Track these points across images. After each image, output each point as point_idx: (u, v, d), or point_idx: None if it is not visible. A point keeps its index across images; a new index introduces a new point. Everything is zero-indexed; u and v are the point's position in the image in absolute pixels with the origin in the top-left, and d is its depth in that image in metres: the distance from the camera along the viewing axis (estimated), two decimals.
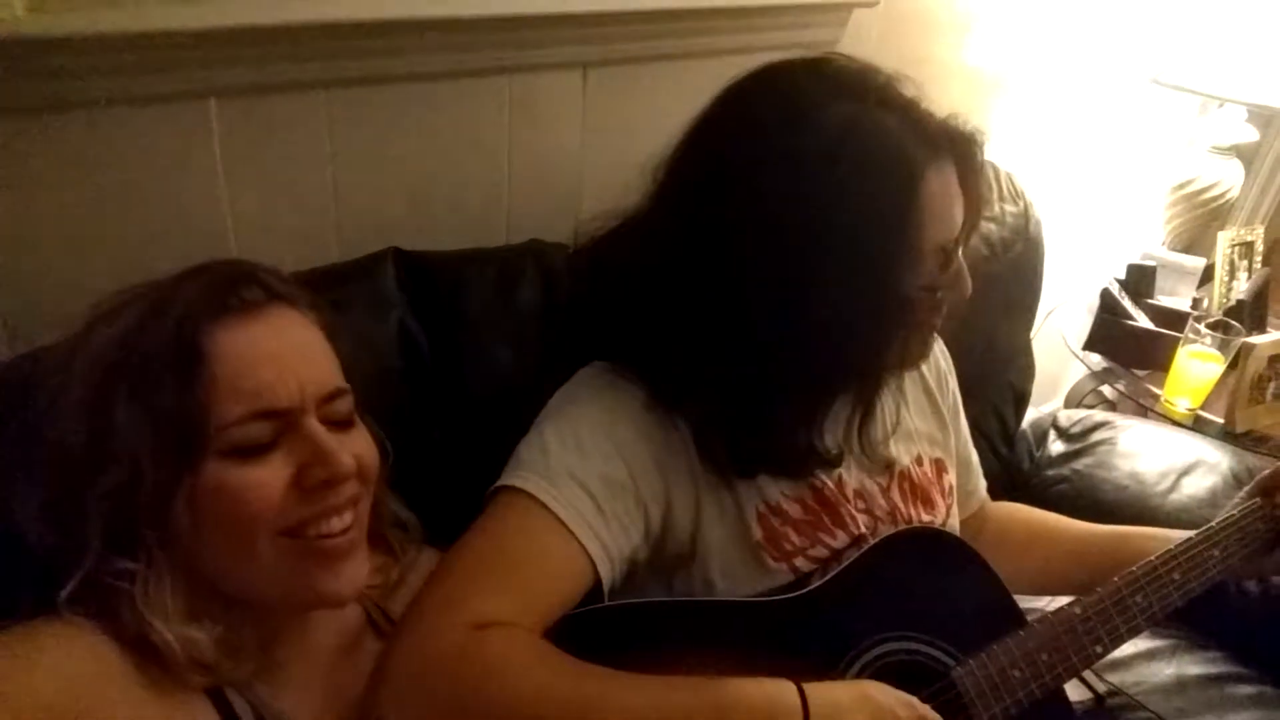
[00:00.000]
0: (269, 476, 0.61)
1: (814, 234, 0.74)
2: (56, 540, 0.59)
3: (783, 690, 0.68)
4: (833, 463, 0.86)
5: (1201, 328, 1.51)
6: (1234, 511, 0.94)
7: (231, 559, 0.62)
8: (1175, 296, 1.86)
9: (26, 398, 0.63)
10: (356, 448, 0.66)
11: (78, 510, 0.58)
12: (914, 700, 0.72)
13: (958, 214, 0.80)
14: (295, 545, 0.62)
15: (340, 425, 0.66)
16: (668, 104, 0.84)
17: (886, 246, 0.75)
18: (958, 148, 0.80)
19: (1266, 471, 0.96)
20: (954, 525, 0.98)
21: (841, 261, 0.74)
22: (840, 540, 0.86)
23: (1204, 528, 0.93)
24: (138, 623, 0.58)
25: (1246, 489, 0.97)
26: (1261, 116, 1.98)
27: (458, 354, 0.94)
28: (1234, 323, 1.54)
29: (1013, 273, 1.47)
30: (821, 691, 0.69)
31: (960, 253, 0.82)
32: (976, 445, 1.11)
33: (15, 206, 0.77)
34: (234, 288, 0.63)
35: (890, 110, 0.77)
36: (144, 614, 0.58)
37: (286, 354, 0.63)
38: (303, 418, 0.62)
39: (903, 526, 0.89)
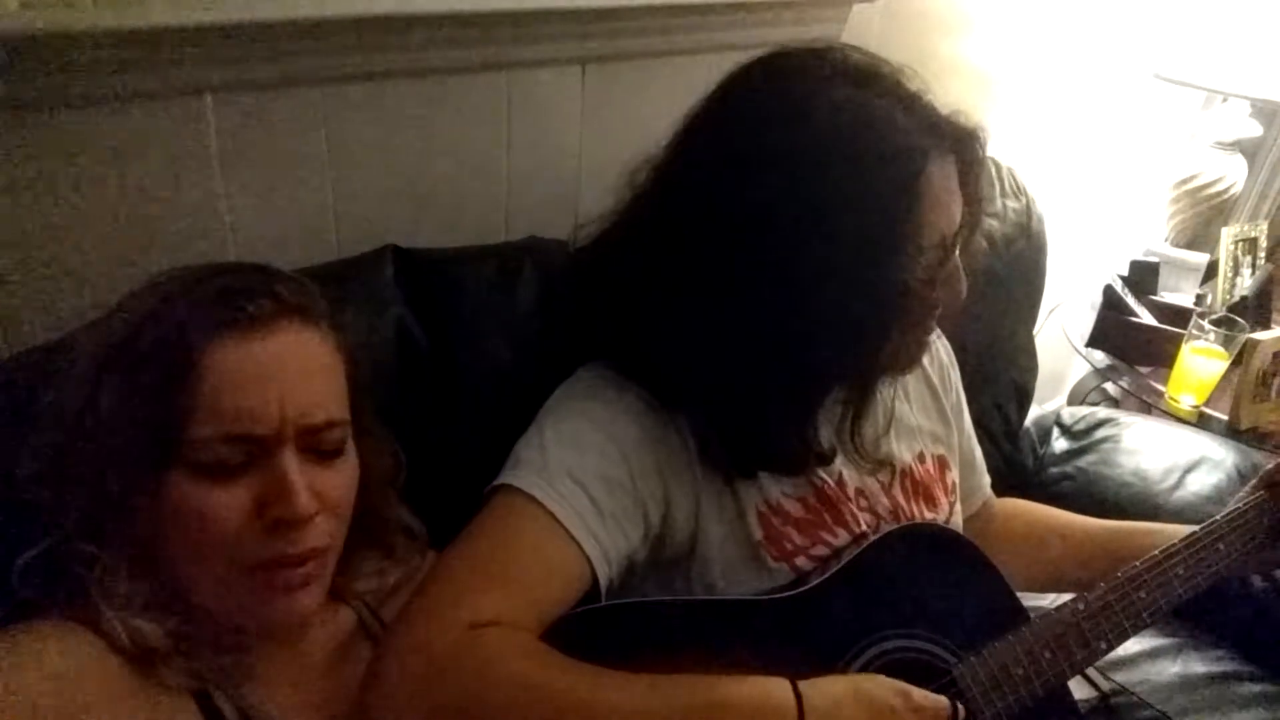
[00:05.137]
0: (229, 501, 0.60)
1: (814, 221, 0.73)
2: (44, 504, 0.60)
3: (777, 687, 0.68)
4: (827, 459, 0.85)
5: (1205, 324, 1.51)
6: (1239, 505, 0.94)
7: (185, 568, 0.61)
8: (1179, 293, 1.86)
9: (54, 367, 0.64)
10: (330, 483, 0.64)
11: (60, 485, 0.59)
12: (909, 689, 0.71)
13: (956, 209, 0.79)
14: (248, 573, 0.61)
15: (324, 456, 0.64)
16: (666, 100, 0.83)
17: (887, 235, 0.74)
18: (960, 143, 0.79)
19: (1272, 464, 0.95)
20: (957, 522, 0.97)
21: (841, 249, 0.73)
22: (841, 539, 0.85)
23: (1208, 521, 0.92)
24: (91, 608, 0.58)
25: (1252, 483, 0.96)
26: (1265, 111, 1.98)
27: (456, 351, 0.94)
28: (1238, 319, 1.53)
29: (1015, 269, 1.46)
30: (816, 687, 0.68)
31: (957, 253, 0.81)
32: (980, 443, 1.11)
33: (7, 203, 0.76)
34: (243, 299, 0.62)
35: (893, 100, 0.76)
36: (97, 600, 0.58)
37: (279, 378, 0.61)
38: (278, 447, 0.61)
39: (904, 523, 0.88)
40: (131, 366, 0.59)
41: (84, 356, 0.61)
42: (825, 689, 0.68)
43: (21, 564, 0.58)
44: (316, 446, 0.64)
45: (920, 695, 0.71)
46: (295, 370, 0.63)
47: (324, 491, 0.63)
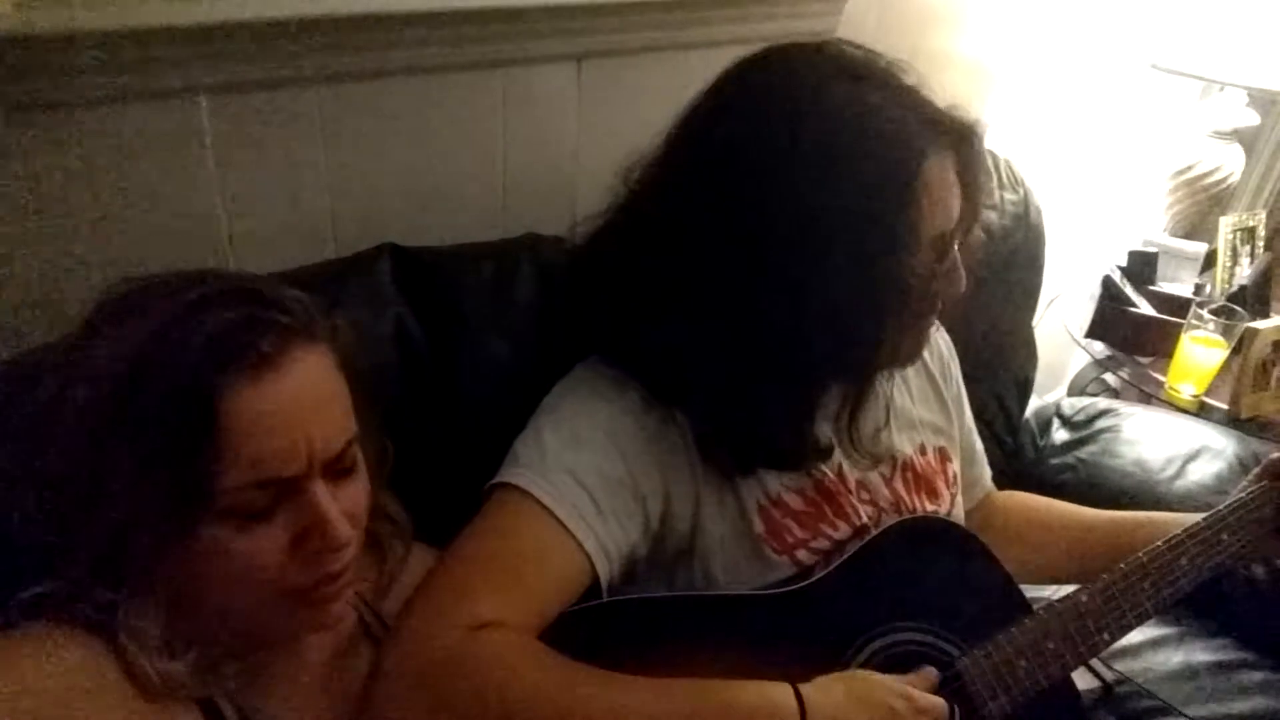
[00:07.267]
0: (267, 542, 0.58)
1: (812, 218, 0.73)
2: (49, 544, 0.58)
3: (779, 690, 0.68)
4: (826, 455, 0.85)
5: (1204, 313, 1.50)
6: (1242, 495, 0.94)
7: (220, 602, 0.60)
8: (1177, 283, 1.85)
9: (31, 394, 0.61)
10: (352, 497, 0.64)
11: (70, 531, 0.57)
12: (910, 691, 0.71)
13: (955, 205, 0.79)
14: (288, 596, 0.61)
15: (342, 474, 0.63)
16: (662, 95, 0.83)
17: (885, 232, 0.73)
18: (957, 138, 0.78)
19: (1276, 454, 0.95)
20: (959, 515, 0.97)
21: (838, 246, 0.73)
22: (842, 531, 0.85)
23: (1212, 511, 0.92)
24: (115, 649, 0.57)
25: (1254, 472, 0.96)
26: (1262, 100, 1.98)
27: (454, 349, 0.94)
28: (1237, 308, 1.53)
29: (1013, 261, 1.46)
30: (818, 692, 0.68)
31: (957, 248, 0.81)
32: (979, 434, 1.10)
33: (3, 204, 0.76)
34: (253, 336, 0.58)
35: (891, 94, 0.76)
36: (123, 642, 0.57)
37: (300, 414, 0.59)
38: (307, 483, 0.60)
39: (906, 516, 0.88)
40: (142, 418, 0.55)
41: (75, 403, 0.57)
42: (828, 692, 0.69)
43: (22, 599, 0.56)
44: (336, 468, 0.62)
45: (922, 697, 0.71)
46: (313, 401, 0.61)
47: (349, 508, 0.62)
